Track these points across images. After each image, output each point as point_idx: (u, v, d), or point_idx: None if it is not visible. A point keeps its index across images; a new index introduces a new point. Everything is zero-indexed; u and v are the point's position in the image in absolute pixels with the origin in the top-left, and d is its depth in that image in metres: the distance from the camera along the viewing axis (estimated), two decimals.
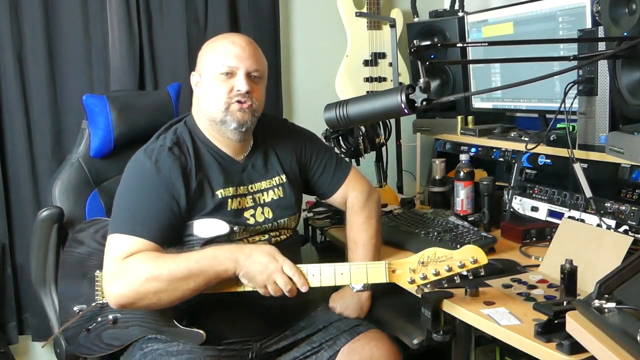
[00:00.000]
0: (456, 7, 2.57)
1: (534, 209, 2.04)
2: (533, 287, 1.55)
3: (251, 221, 1.64)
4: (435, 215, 2.07)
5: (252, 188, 1.68)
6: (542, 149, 1.98)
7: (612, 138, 1.68)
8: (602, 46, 1.69)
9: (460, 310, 1.46)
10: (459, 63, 2.53)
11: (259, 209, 1.67)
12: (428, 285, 1.45)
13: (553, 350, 1.20)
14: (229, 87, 1.59)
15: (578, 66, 1.68)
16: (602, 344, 1.00)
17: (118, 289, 1.44)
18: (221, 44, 1.63)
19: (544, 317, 1.28)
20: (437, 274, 1.42)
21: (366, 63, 2.78)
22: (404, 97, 1.30)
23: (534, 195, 2.06)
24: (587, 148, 1.81)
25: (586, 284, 1.33)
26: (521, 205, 2.09)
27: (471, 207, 2.14)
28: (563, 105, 1.82)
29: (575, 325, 1.10)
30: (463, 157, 2.17)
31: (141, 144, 1.68)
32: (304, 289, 1.46)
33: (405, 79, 2.78)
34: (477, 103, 2.47)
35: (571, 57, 1.41)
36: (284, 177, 1.74)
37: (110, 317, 1.62)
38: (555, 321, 1.22)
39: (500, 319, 1.36)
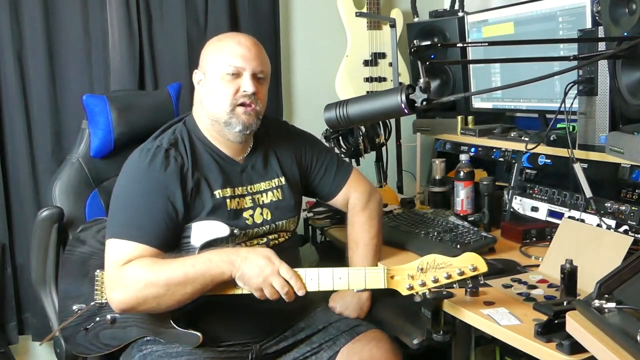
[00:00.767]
0: (456, 7, 2.57)
1: (534, 209, 2.04)
2: (533, 287, 1.55)
3: (250, 222, 1.63)
4: (435, 215, 2.07)
5: (251, 189, 1.67)
6: (542, 149, 1.98)
7: (612, 138, 1.68)
8: (602, 46, 1.68)
9: (460, 310, 1.46)
10: (459, 63, 2.53)
11: (258, 210, 1.66)
12: (427, 293, 1.43)
13: (553, 350, 1.20)
14: (234, 88, 1.58)
15: (578, 66, 1.68)
16: (602, 344, 1.00)
17: (119, 296, 1.45)
18: (227, 44, 1.61)
19: (544, 317, 1.28)
20: (435, 281, 1.41)
21: (366, 63, 2.78)
22: (404, 97, 1.30)
23: (534, 195, 2.06)
24: (587, 148, 1.81)
25: (586, 284, 1.33)
26: (521, 205, 2.09)
27: (471, 207, 2.14)
28: (563, 105, 1.82)
29: (575, 325, 1.10)
30: (463, 157, 2.17)
31: (140, 144, 1.68)
32: (300, 293, 1.45)
33: (405, 79, 2.78)
34: (477, 103, 2.47)
35: (571, 57, 1.41)
36: (283, 179, 1.73)
37: (109, 317, 1.62)
38: (555, 321, 1.22)
39: (500, 319, 1.36)
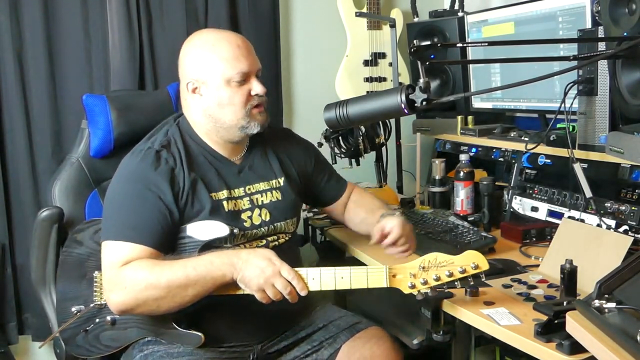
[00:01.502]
0: (456, 7, 2.57)
1: (534, 209, 2.04)
2: (533, 287, 1.55)
3: (248, 223, 1.63)
4: (435, 215, 2.07)
5: (249, 189, 1.67)
6: (542, 149, 1.98)
7: (612, 138, 1.68)
8: (602, 46, 1.68)
9: (460, 310, 1.46)
10: (459, 63, 2.53)
11: (256, 211, 1.65)
12: (429, 292, 1.43)
13: (553, 350, 1.20)
14: (245, 93, 1.59)
15: (578, 66, 1.68)
16: (602, 344, 1.00)
17: (118, 297, 1.44)
18: (224, 49, 1.57)
19: (544, 317, 1.28)
20: (437, 279, 1.41)
21: (366, 63, 2.78)
22: (404, 97, 1.30)
23: (534, 195, 2.06)
24: (587, 148, 1.81)
25: (586, 284, 1.33)
26: (521, 205, 2.09)
27: (471, 207, 2.14)
28: (563, 105, 1.82)
29: (575, 325, 1.10)
30: (463, 157, 2.17)
31: None
32: (303, 293, 1.45)
33: (405, 79, 2.78)
34: (477, 103, 2.47)
35: (571, 57, 1.41)
36: (282, 179, 1.73)
37: (109, 318, 1.61)
38: (555, 321, 1.22)
39: (500, 319, 1.36)
